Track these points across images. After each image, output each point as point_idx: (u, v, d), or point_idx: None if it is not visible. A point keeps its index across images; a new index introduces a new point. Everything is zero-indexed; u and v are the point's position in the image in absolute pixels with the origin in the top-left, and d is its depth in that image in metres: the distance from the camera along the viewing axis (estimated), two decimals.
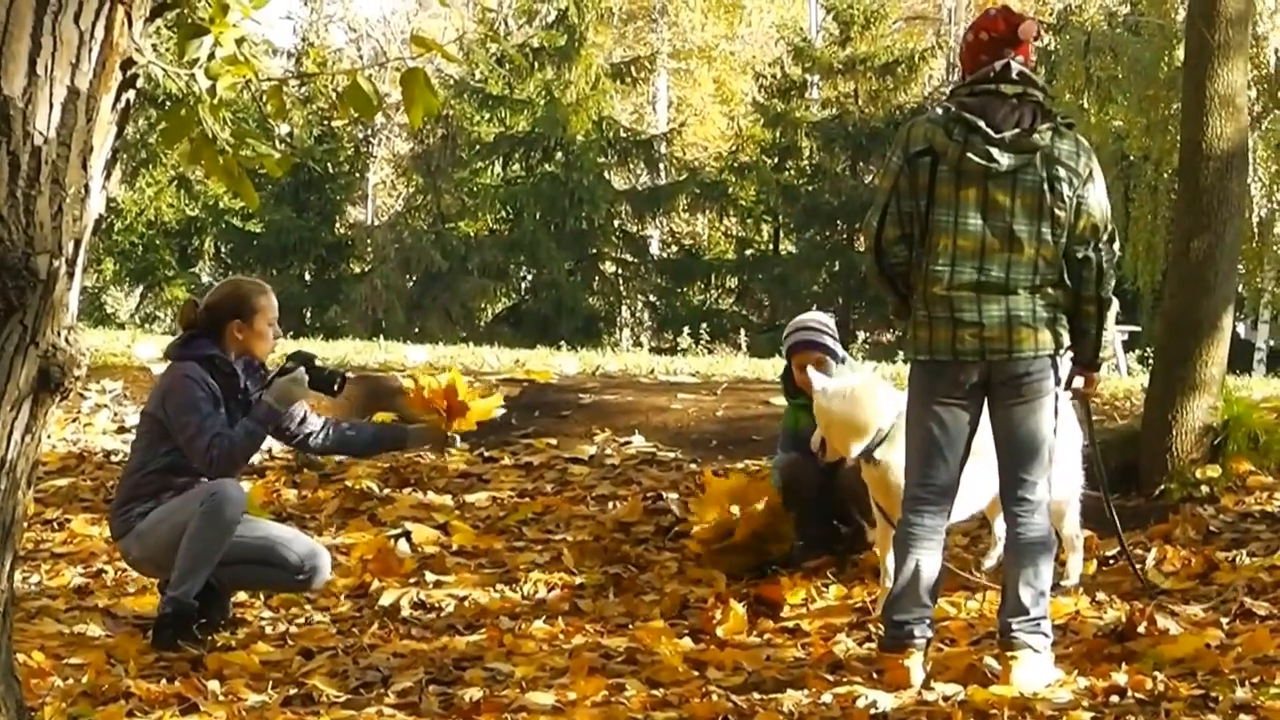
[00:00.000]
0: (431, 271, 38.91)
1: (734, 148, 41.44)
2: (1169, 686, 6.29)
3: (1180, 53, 16.37)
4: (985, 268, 6.50)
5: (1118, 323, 18.94)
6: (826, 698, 6.39)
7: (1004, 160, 6.45)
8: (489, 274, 39.02)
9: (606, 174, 39.77)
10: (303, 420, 8.06)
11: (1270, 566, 8.21)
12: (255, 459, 9.31)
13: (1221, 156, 9.70)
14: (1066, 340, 6.58)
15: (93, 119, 4.16)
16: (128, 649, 7.51)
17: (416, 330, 35.56)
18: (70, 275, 4.20)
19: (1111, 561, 8.57)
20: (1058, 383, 6.60)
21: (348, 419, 8.48)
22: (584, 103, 38.41)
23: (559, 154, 38.71)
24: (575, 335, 33.05)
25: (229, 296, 7.96)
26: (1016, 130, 6.47)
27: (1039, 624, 6.54)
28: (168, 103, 26.16)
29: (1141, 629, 7.03)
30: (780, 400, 11.05)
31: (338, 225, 41.17)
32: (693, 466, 10.60)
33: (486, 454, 11.13)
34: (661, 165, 41.00)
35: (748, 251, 40.41)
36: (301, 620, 8.14)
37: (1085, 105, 29.17)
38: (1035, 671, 6.48)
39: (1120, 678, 6.41)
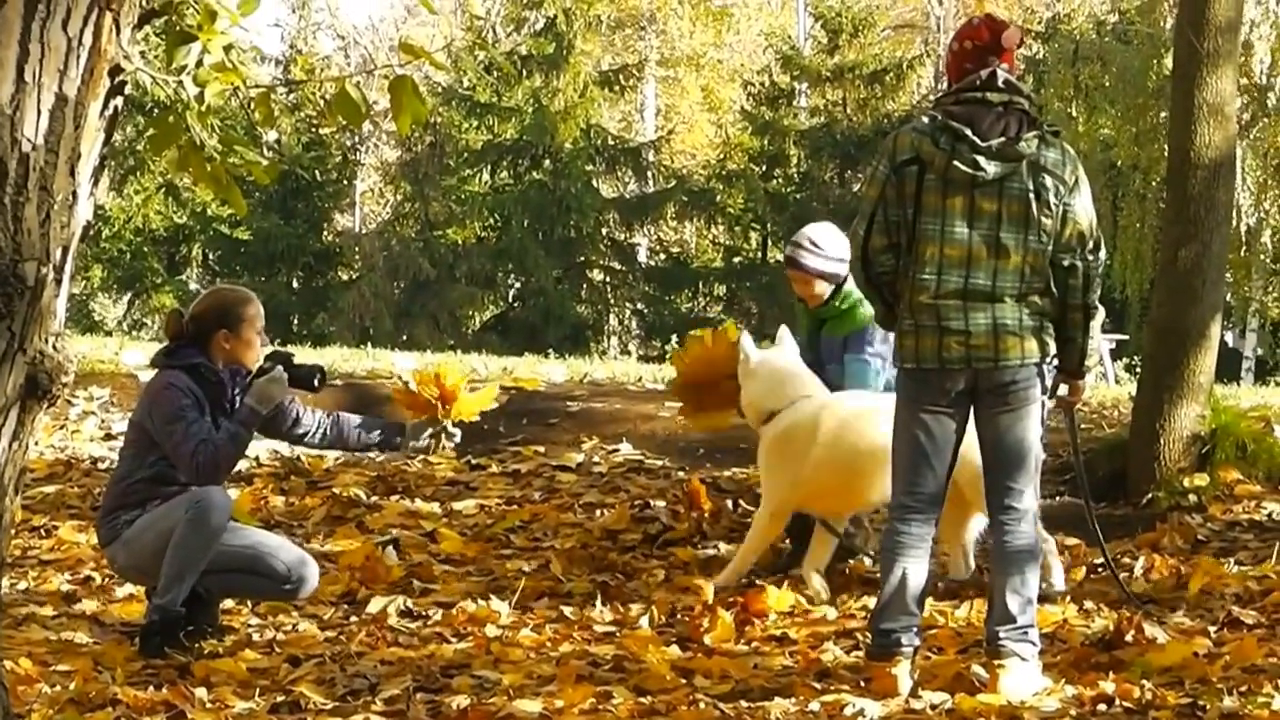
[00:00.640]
0: (419, 279, 38.91)
1: (722, 156, 41.48)
2: (1157, 695, 6.29)
3: (1169, 61, 16.38)
4: (972, 276, 6.50)
5: (1105, 331, 18.98)
6: (814, 706, 6.39)
7: (990, 169, 6.46)
8: (477, 282, 39.02)
9: (594, 182, 39.77)
10: (295, 419, 8.05)
11: (1260, 575, 8.23)
12: (242, 465, 9.30)
13: (1209, 165, 9.72)
14: (1053, 349, 6.59)
15: (81, 126, 4.15)
16: (115, 656, 7.49)
17: (404, 338, 35.59)
18: (58, 282, 4.19)
19: (1099, 570, 8.57)
20: (1044, 391, 6.60)
21: (344, 413, 8.41)
22: (572, 110, 38.42)
23: (547, 162, 38.71)
24: (563, 343, 33.06)
25: (214, 307, 7.93)
26: (1003, 139, 6.47)
27: (1026, 632, 6.54)
28: (156, 110, 26.12)
29: (1129, 637, 7.04)
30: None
31: (325, 233, 41.19)
32: (680, 474, 10.60)
33: (474, 462, 11.13)
34: (649, 173, 41.01)
35: (735, 260, 40.44)
36: (289, 627, 8.13)
37: (1074, 113, 29.23)
38: (1023, 680, 6.48)
39: (1108, 686, 6.41)
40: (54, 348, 4.19)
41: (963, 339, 6.50)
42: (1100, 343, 17.05)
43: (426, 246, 39.57)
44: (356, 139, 42.21)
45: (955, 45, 6.71)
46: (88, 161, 4.21)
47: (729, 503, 9.91)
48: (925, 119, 6.63)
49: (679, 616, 8.04)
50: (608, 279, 40.52)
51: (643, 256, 42.02)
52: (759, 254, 40.15)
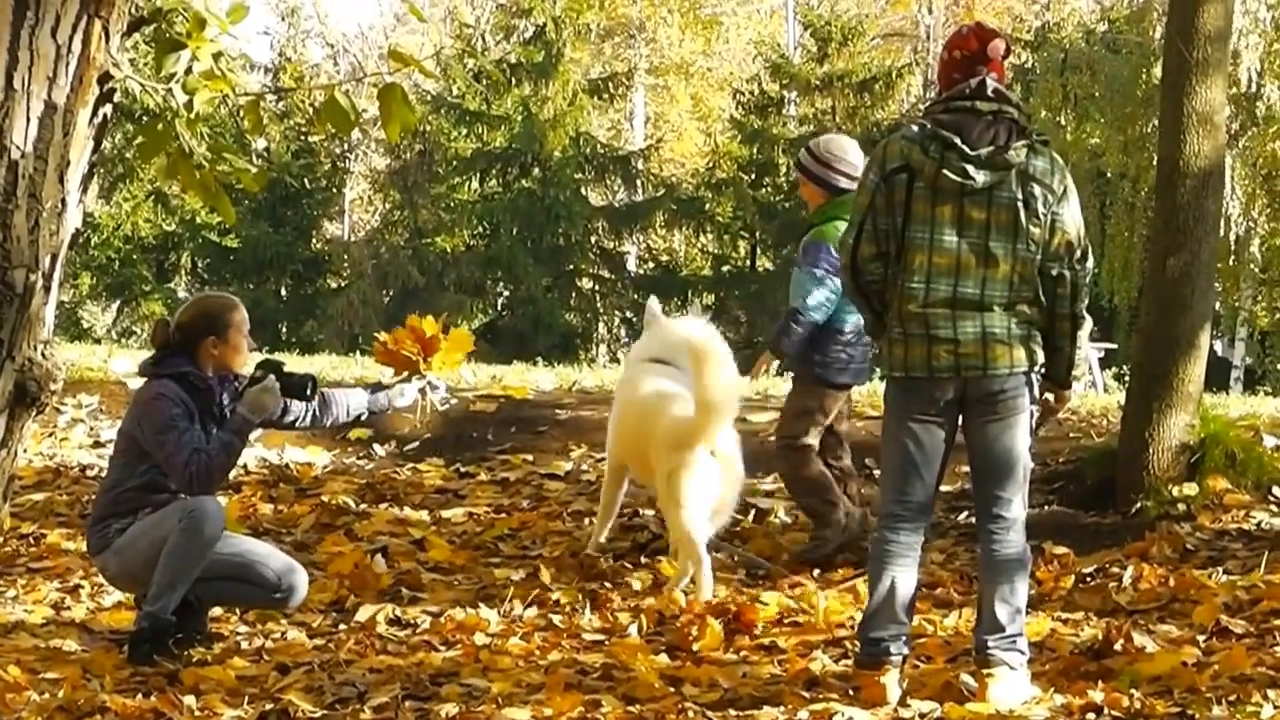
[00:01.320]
0: (408, 287, 38.89)
1: (711, 164, 41.46)
2: (1145, 704, 6.30)
3: (1158, 70, 16.42)
4: (960, 284, 6.50)
5: (1093, 340, 19.01)
6: (803, 714, 6.40)
7: (980, 177, 6.46)
8: (466, 289, 39.00)
9: (584, 190, 39.80)
10: (285, 411, 8.08)
11: (1249, 585, 8.23)
12: (230, 473, 9.29)
13: (1199, 174, 9.72)
14: (1041, 358, 6.59)
15: (70, 133, 4.15)
16: (104, 664, 7.49)
17: None
18: (47, 290, 4.18)
19: (1088, 579, 8.58)
20: (1033, 400, 6.60)
21: (325, 389, 8.39)
22: (561, 118, 38.41)
23: (536, 170, 38.72)
24: (552, 351, 33.06)
25: (201, 314, 7.94)
26: (992, 147, 6.47)
27: (1015, 641, 6.54)
28: (145, 117, 26.06)
29: (1118, 646, 7.04)
30: (756, 418, 11.08)
31: (314, 240, 41.22)
32: None
33: (463, 470, 11.12)
34: (639, 181, 41.06)
35: (724, 268, 40.45)
36: (278, 635, 8.12)
37: (1063, 122, 29.30)
38: (1012, 688, 6.48)
39: (1097, 695, 6.42)
40: (43, 355, 4.19)
41: (951, 348, 6.50)
42: (1089, 351, 17.08)
43: (415, 254, 39.58)
44: (346, 147, 42.23)
45: (945, 54, 6.73)
46: (77, 169, 4.21)
47: None
48: (915, 127, 6.64)
49: (668, 624, 8.04)
50: (597, 287, 40.53)
51: (632, 265, 42.03)
52: (748, 262, 40.16)
